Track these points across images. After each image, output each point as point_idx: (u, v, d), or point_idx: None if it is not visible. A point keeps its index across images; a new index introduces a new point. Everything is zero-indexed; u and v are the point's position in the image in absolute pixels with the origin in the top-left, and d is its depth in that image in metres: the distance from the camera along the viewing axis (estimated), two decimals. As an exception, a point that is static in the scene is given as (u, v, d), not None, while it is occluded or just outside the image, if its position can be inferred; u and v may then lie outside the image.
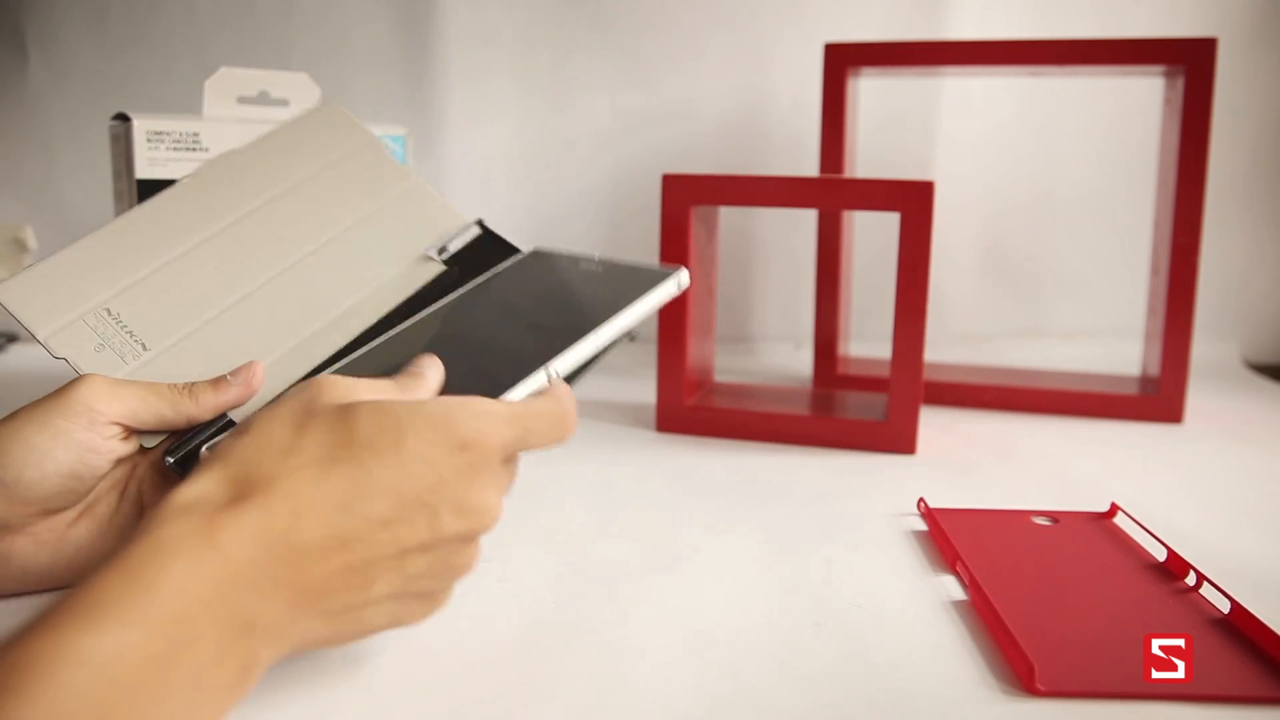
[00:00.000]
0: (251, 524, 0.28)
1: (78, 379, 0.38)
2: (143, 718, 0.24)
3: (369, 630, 0.32)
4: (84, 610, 0.25)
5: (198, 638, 0.26)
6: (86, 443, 0.37)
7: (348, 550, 0.30)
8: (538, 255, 0.49)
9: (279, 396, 0.34)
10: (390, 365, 0.39)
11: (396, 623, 0.33)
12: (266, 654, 0.28)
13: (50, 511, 0.38)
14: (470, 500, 0.32)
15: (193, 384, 0.40)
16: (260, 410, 0.33)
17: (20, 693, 0.22)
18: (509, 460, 0.35)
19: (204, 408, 0.40)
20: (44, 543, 0.38)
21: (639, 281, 0.44)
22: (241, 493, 0.29)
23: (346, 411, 0.32)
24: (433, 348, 0.39)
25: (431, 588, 0.33)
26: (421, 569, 0.32)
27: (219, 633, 0.27)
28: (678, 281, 0.44)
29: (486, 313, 0.44)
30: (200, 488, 0.29)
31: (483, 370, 0.39)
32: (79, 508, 0.39)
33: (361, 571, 0.30)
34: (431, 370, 0.37)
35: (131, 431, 0.39)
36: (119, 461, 0.39)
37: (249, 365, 0.41)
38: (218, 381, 0.40)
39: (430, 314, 0.45)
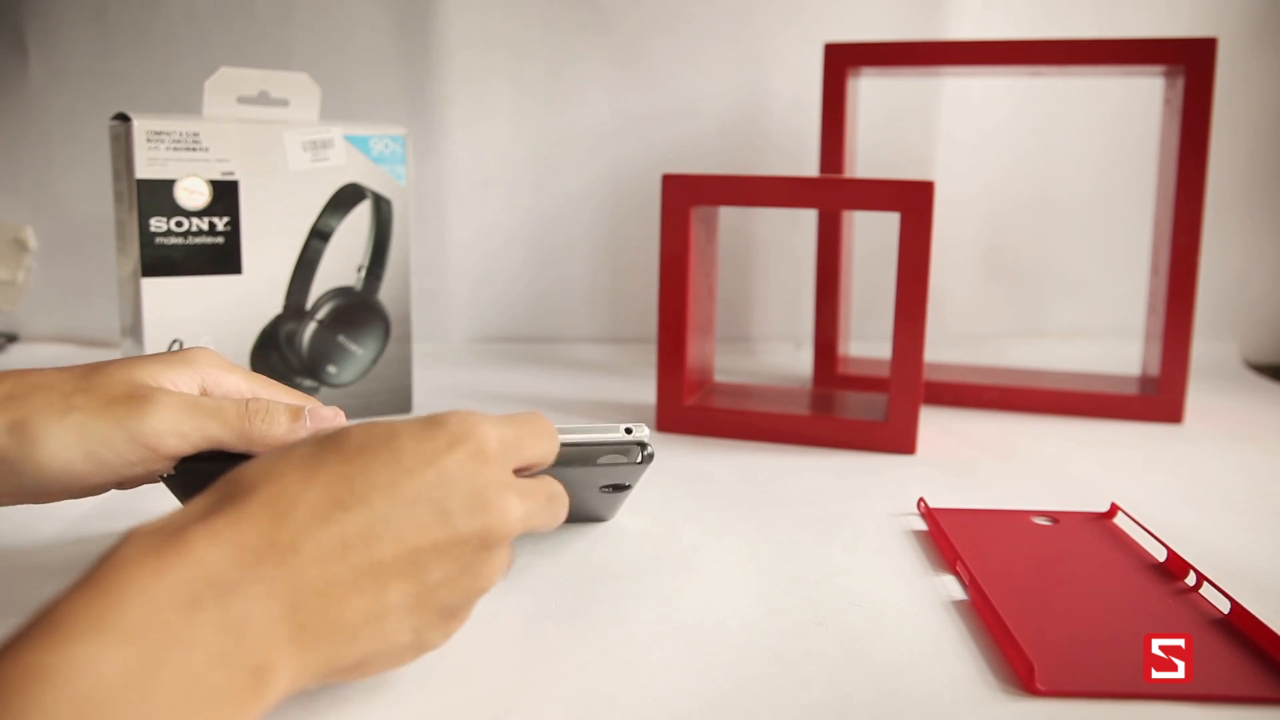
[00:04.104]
0: (223, 528, 0.27)
1: (158, 399, 0.37)
2: None
3: (393, 648, 0.31)
4: (48, 629, 0.23)
5: (181, 644, 0.25)
6: (120, 468, 0.37)
7: (351, 550, 0.29)
8: None
9: None
10: None
11: (420, 642, 0.31)
12: (282, 660, 0.27)
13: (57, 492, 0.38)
14: (481, 494, 0.32)
15: (269, 405, 0.39)
16: None
17: None
18: (517, 467, 0.34)
19: (275, 432, 0.39)
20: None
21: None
22: (217, 508, 0.28)
23: (335, 432, 0.32)
24: None
25: (452, 601, 0.32)
26: (439, 577, 0.31)
27: (210, 637, 0.25)
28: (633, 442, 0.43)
29: None
30: (170, 516, 0.28)
31: None
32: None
33: (371, 574, 0.29)
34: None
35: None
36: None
37: (336, 409, 0.41)
38: (296, 411, 0.40)
39: None
